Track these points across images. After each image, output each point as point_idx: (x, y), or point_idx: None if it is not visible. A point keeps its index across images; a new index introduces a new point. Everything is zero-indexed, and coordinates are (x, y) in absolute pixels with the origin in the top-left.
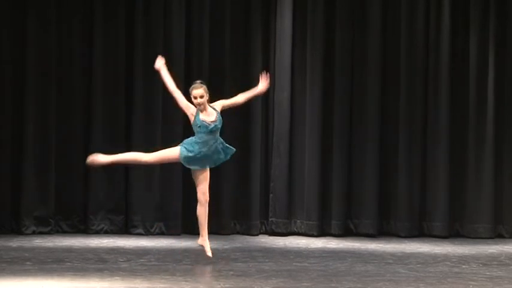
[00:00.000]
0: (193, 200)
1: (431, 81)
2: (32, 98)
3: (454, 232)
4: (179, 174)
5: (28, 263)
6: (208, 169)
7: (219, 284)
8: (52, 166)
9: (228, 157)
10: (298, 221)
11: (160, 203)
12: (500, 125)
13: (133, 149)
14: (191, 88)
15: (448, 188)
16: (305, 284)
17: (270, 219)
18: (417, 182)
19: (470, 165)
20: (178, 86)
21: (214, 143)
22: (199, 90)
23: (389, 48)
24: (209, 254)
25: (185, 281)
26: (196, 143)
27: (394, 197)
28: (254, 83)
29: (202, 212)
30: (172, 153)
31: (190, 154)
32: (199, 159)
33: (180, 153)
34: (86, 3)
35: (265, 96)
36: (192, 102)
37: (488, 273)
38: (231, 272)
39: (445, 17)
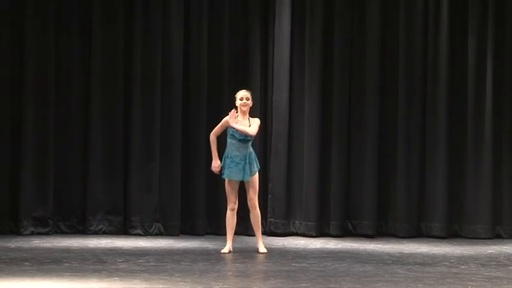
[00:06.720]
0: (191, 201)
1: (430, 82)
2: (31, 99)
3: (452, 233)
4: (178, 175)
5: (27, 263)
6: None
7: (218, 285)
8: (51, 167)
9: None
10: (297, 221)
11: (158, 204)
12: (498, 126)
13: (132, 149)
14: (238, 93)
15: (447, 189)
16: (304, 284)
17: (269, 220)
18: (416, 182)
19: (468, 166)
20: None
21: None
22: (246, 93)
23: (388, 49)
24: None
25: (184, 281)
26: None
27: (392, 198)
28: (253, 83)
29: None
30: None
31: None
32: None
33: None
34: (84, 4)
35: (264, 96)
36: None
37: (486, 273)
38: (230, 273)
39: (444, 18)
